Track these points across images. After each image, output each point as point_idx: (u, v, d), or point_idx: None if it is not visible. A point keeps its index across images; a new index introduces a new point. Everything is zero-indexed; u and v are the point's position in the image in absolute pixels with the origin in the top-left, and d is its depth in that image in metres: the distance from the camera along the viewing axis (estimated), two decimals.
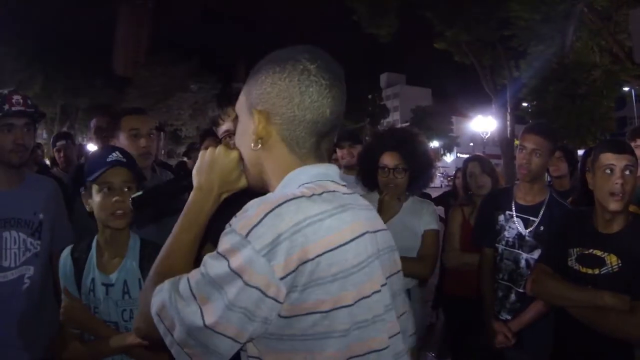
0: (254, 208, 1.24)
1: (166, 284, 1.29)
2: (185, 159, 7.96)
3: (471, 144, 61.74)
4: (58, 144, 6.21)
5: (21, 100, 2.84)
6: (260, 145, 1.40)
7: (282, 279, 1.17)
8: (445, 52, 26.64)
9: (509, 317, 3.43)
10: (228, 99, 2.54)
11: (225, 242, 1.23)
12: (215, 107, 2.70)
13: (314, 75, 1.36)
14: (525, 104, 25.82)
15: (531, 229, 3.39)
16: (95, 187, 2.38)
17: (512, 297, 3.45)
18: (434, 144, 61.93)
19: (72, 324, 2.38)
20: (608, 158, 2.71)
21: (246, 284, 1.17)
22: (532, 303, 3.21)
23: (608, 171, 2.69)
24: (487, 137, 35.66)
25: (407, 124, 56.64)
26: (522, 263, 3.40)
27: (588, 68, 22.13)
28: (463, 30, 24.06)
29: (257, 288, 1.17)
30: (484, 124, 35.98)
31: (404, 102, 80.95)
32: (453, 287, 4.45)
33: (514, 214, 3.49)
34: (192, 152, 7.32)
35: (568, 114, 21.43)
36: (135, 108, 3.53)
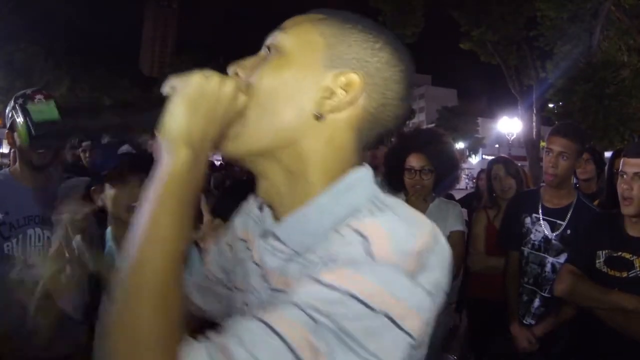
0: (406, 233, 0.86)
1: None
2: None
3: (497, 145, 61.29)
4: (84, 144, 6.24)
5: (43, 99, 2.82)
6: (325, 118, 0.98)
7: (427, 323, 0.85)
8: (471, 53, 26.51)
9: (533, 322, 3.40)
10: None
11: (369, 278, 0.79)
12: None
13: (403, 74, 1.04)
14: (551, 105, 25.59)
15: (558, 232, 3.35)
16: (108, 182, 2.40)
17: (537, 301, 3.41)
18: (460, 145, 61.55)
19: None
20: (622, 162, 2.72)
21: (407, 338, 0.81)
22: (557, 308, 3.17)
23: (622, 175, 2.70)
24: (512, 138, 35.42)
25: (433, 125, 56.48)
26: (548, 267, 3.36)
27: (616, 67, 21.84)
28: (489, 30, 23.92)
29: (409, 339, 0.81)
30: (509, 125, 35.79)
31: (430, 103, 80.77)
32: (477, 290, 4.41)
33: (541, 216, 3.44)
34: None
35: (595, 114, 21.18)
36: None
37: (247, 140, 0.99)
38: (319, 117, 0.97)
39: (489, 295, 4.08)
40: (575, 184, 5.14)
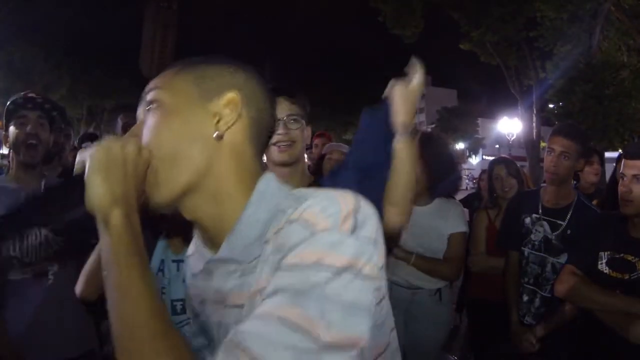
0: (327, 200, 1.00)
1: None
2: None
3: (497, 145, 61.28)
4: (84, 145, 6.24)
5: (35, 97, 2.90)
6: (224, 136, 1.12)
7: (382, 267, 1.01)
8: (471, 53, 26.51)
9: (533, 322, 3.41)
10: (280, 90, 2.49)
11: (322, 248, 0.94)
12: None
13: (261, 82, 1.22)
14: (551, 105, 25.59)
15: (558, 232, 3.36)
16: None
17: (537, 301, 3.42)
18: (460, 145, 61.54)
19: None
20: (622, 164, 2.74)
21: (372, 283, 0.97)
22: (558, 308, 3.18)
23: (622, 177, 2.73)
24: (512, 139, 35.42)
25: (433, 125, 56.45)
26: (548, 267, 3.37)
27: (616, 68, 21.84)
28: (489, 31, 23.92)
29: (373, 283, 0.97)
30: (509, 125, 35.79)
31: (430, 104, 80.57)
32: (477, 290, 4.42)
33: (541, 217, 3.46)
34: None
35: (595, 115, 21.17)
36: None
37: (169, 185, 1.10)
38: (219, 138, 1.11)
39: (489, 296, 4.09)
40: (575, 184, 5.17)
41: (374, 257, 0.98)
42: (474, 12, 23.89)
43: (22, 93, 2.93)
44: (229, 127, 1.12)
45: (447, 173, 3.66)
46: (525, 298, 3.47)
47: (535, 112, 25.69)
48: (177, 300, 2.45)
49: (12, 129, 2.87)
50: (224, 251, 1.12)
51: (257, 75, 1.21)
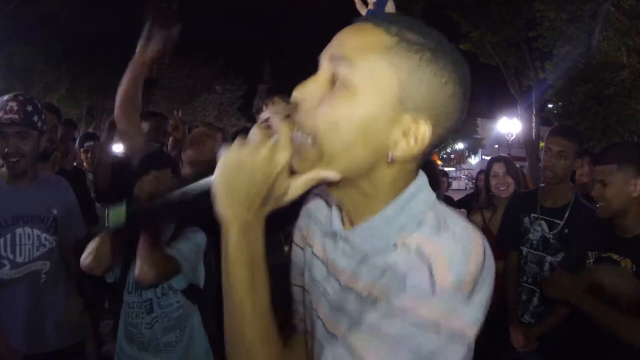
0: (462, 260, 0.97)
1: None
2: None
3: (496, 145, 61.21)
4: (86, 144, 6.22)
5: (15, 107, 2.81)
6: (395, 162, 1.04)
7: None
8: (471, 53, 26.49)
9: (532, 321, 3.43)
10: (277, 89, 2.54)
11: (434, 307, 0.93)
12: (260, 95, 2.67)
13: (460, 68, 1.07)
14: (550, 106, 25.58)
15: (556, 231, 3.38)
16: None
17: (536, 300, 3.44)
18: (459, 145, 61.51)
19: None
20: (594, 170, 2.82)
21: (466, 349, 0.96)
22: (556, 307, 3.19)
23: (593, 182, 2.83)
24: (512, 139, 35.40)
25: None
26: (546, 266, 3.39)
27: (615, 68, 21.85)
28: (489, 31, 23.91)
29: (467, 349, 0.96)
30: (509, 125, 35.73)
31: None
32: None
33: (539, 216, 3.47)
34: None
35: (594, 115, 21.19)
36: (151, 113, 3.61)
37: (328, 172, 1.03)
38: (391, 162, 1.03)
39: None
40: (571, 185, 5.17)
41: (478, 322, 0.97)
42: (473, 13, 23.88)
43: (4, 100, 2.84)
44: (403, 157, 1.04)
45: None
46: (524, 297, 3.49)
47: (534, 112, 25.66)
48: (147, 300, 2.70)
49: None
50: (353, 234, 1.13)
51: (465, 84, 1.07)
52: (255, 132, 1.02)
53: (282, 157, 1.01)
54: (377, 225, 1.08)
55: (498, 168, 4.49)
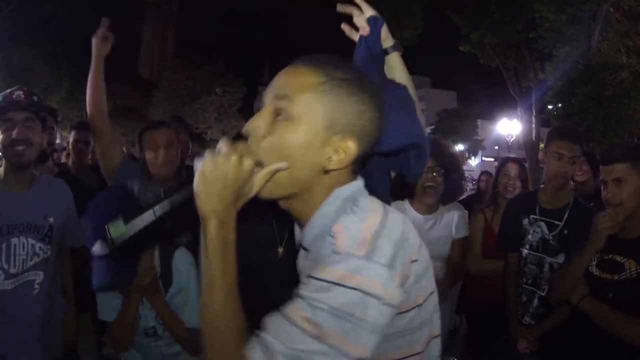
0: (356, 227, 1.23)
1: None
2: None
3: (496, 147, 61.28)
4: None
5: (22, 95, 2.77)
6: (327, 173, 1.32)
7: (400, 286, 1.20)
8: (471, 55, 26.51)
9: (532, 322, 3.43)
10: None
11: (339, 267, 1.15)
12: (260, 97, 2.69)
13: (375, 96, 1.36)
14: (550, 107, 25.59)
15: (555, 232, 3.38)
16: None
17: (536, 301, 3.44)
18: (459, 147, 61.49)
19: None
20: (601, 171, 2.77)
21: (383, 303, 1.14)
22: (556, 308, 3.19)
23: (603, 182, 2.77)
24: (512, 140, 35.41)
25: (433, 127, 56.41)
26: (546, 267, 3.39)
27: (615, 69, 21.83)
28: (488, 32, 23.93)
29: (389, 305, 1.16)
30: (509, 127, 35.77)
31: (429, 106, 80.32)
32: (474, 294, 4.43)
33: (538, 217, 3.47)
34: None
35: (594, 116, 21.16)
36: (154, 122, 3.60)
37: (274, 190, 1.31)
38: (326, 172, 1.31)
39: (485, 300, 4.09)
40: (573, 185, 5.17)
41: (383, 279, 1.15)
42: (473, 14, 23.91)
43: (8, 91, 2.79)
44: (337, 169, 1.31)
45: (455, 169, 3.74)
46: (524, 298, 3.49)
47: (534, 113, 25.69)
48: (148, 328, 2.71)
49: None
50: (303, 238, 1.41)
51: (380, 108, 1.36)
52: (223, 145, 1.24)
53: (247, 162, 1.23)
54: (314, 223, 1.35)
55: (511, 169, 4.51)
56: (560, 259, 3.28)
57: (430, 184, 3.63)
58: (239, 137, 1.34)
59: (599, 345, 2.71)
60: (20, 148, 2.73)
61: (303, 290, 1.17)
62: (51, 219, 2.90)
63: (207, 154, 1.24)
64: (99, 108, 3.30)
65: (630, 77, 21.57)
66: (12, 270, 2.75)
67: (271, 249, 2.35)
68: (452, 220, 3.86)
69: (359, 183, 1.40)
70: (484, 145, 66.29)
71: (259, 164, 1.27)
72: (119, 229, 1.29)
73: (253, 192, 1.29)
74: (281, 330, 1.14)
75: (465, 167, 55.87)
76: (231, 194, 1.23)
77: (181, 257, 2.75)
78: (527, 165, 22.02)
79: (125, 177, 3.18)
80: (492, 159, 55.90)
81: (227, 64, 52.10)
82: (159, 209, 1.31)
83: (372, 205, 1.32)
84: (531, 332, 3.38)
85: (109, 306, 2.66)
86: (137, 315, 2.65)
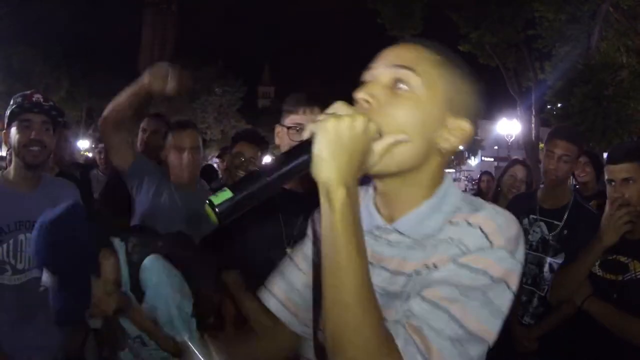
0: (502, 219, 1.23)
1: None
2: (214, 161, 8.03)
3: (495, 147, 61.18)
4: (100, 145, 6.33)
5: (41, 99, 2.88)
6: (443, 152, 1.29)
7: None
8: (470, 55, 26.47)
9: (532, 322, 3.43)
10: (319, 99, 2.57)
11: (493, 259, 1.17)
12: (298, 99, 2.68)
13: (479, 84, 1.36)
14: (550, 106, 25.58)
15: (555, 232, 3.38)
16: None
17: (535, 301, 3.44)
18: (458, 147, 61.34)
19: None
20: (606, 170, 2.74)
21: (513, 295, 1.20)
22: (556, 308, 3.18)
23: (610, 182, 2.73)
24: (511, 140, 35.40)
25: None
26: (546, 267, 3.39)
27: (614, 69, 21.81)
28: (488, 32, 23.91)
29: (513, 295, 1.20)
30: (508, 126, 35.72)
31: None
32: None
33: (538, 217, 3.47)
34: (226, 155, 7.31)
35: (594, 116, 21.15)
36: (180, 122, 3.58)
37: (389, 164, 1.22)
38: (440, 152, 1.28)
39: None
40: (575, 185, 5.17)
41: (519, 275, 1.20)
42: (472, 14, 23.88)
43: (28, 93, 2.90)
44: (451, 150, 1.29)
45: None
46: (524, 298, 3.49)
47: (534, 113, 25.67)
48: (136, 337, 2.56)
49: (14, 130, 2.85)
50: (401, 224, 1.31)
51: (483, 95, 1.35)
52: (342, 108, 1.14)
53: (373, 128, 1.14)
54: (424, 213, 1.29)
55: (519, 171, 4.52)
56: (560, 259, 3.28)
57: None
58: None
59: (600, 346, 2.71)
60: (35, 149, 2.84)
61: (452, 277, 1.16)
62: None
63: (326, 117, 1.11)
64: (114, 119, 3.14)
65: (629, 77, 21.55)
66: (19, 266, 2.86)
67: (279, 250, 2.34)
68: None
69: (451, 178, 1.40)
70: (483, 145, 66.20)
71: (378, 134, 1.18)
72: (223, 195, 1.07)
73: (372, 163, 1.19)
74: (433, 317, 1.11)
75: (464, 167, 55.91)
76: (357, 160, 1.11)
77: (151, 267, 2.40)
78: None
79: (139, 174, 3.25)
80: (492, 159, 55.80)
81: (226, 64, 52.06)
82: (272, 175, 1.11)
83: (490, 203, 1.32)
84: (531, 332, 3.38)
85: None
86: (121, 327, 2.53)
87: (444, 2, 24.49)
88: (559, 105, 23.54)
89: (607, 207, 2.73)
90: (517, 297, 3.44)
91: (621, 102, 21.20)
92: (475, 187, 7.81)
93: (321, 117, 1.12)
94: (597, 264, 2.79)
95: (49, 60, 32.78)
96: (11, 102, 2.90)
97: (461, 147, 1.30)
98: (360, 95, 1.23)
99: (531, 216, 3.51)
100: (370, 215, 1.37)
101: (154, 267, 2.40)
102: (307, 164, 1.10)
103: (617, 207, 2.66)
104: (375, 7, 25.40)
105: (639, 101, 21.81)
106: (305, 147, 1.10)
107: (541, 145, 23.01)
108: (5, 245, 2.82)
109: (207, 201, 1.07)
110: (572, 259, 2.93)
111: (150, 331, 2.44)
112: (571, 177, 4.58)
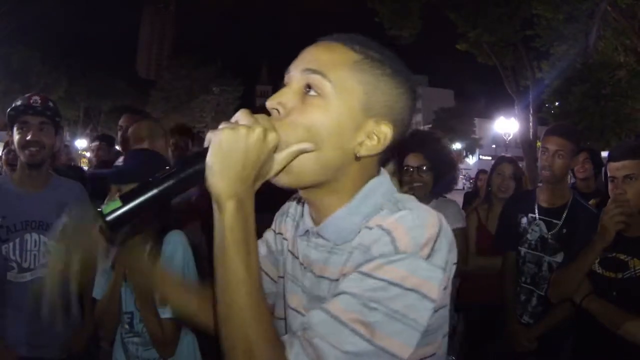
0: (418, 226, 1.11)
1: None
2: None
3: (493, 145, 61.33)
4: (92, 144, 6.37)
5: (39, 100, 2.95)
6: (361, 158, 1.20)
7: (445, 289, 1.14)
8: (468, 54, 26.49)
9: (531, 321, 3.42)
10: None
11: (400, 267, 1.07)
12: None
13: (410, 81, 1.25)
14: (548, 105, 25.59)
15: (554, 231, 3.37)
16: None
17: (534, 300, 3.43)
18: (456, 145, 61.54)
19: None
20: (608, 167, 2.74)
21: (434, 305, 1.09)
22: (555, 307, 3.18)
23: (612, 180, 2.73)
24: (509, 138, 35.45)
25: (430, 126, 56.45)
26: (545, 266, 3.38)
27: (612, 68, 21.86)
28: (486, 31, 23.92)
29: (433, 304, 1.09)
30: (506, 125, 35.79)
31: (427, 104, 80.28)
32: (468, 293, 4.42)
33: (537, 216, 3.47)
34: None
35: (592, 115, 21.19)
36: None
37: (299, 176, 1.18)
38: (357, 159, 1.19)
39: (480, 299, 4.09)
40: (573, 183, 5.18)
41: (439, 281, 1.09)
42: (470, 13, 23.88)
43: (27, 96, 2.98)
44: (368, 155, 1.21)
45: (448, 170, 3.68)
46: (523, 297, 3.48)
47: (532, 112, 25.67)
48: (127, 313, 2.50)
49: (14, 133, 2.94)
50: (322, 228, 1.27)
51: (414, 94, 1.27)
52: (243, 116, 1.11)
53: (272, 137, 1.09)
54: (343, 216, 1.24)
55: (505, 169, 4.52)
56: (559, 258, 3.27)
57: (414, 183, 3.50)
58: (259, 110, 1.23)
59: (600, 344, 2.70)
60: (33, 149, 2.91)
61: (353, 287, 1.08)
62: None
63: (225, 126, 1.08)
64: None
65: (627, 76, 21.60)
66: (25, 265, 2.93)
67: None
68: (444, 212, 3.79)
69: (387, 176, 1.31)
70: (481, 143, 66.40)
71: (282, 143, 1.13)
72: (112, 205, 1.08)
73: (272, 173, 1.14)
74: (329, 331, 1.05)
75: (462, 166, 55.96)
76: (252, 172, 1.08)
77: (173, 241, 2.49)
78: (524, 163, 21.98)
79: None
80: (490, 158, 55.87)
81: (224, 64, 52.12)
82: (162, 185, 1.10)
83: (417, 203, 1.22)
84: (530, 331, 3.38)
85: (98, 285, 2.58)
86: (119, 296, 2.49)
87: (442, 2, 24.49)
88: (557, 104, 23.60)
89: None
90: (517, 296, 3.45)
91: (619, 101, 21.26)
92: (473, 185, 7.79)
93: (221, 126, 1.09)
94: (596, 261, 2.78)
95: (47, 60, 32.82)
96: (9, 109, 2.98)
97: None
98: (268, 103, 1.19)
99: (530, 215, 3.51)
100: (305, 217, 1.36)
101: (175, 242, 2.49)
102: (202, 173, 1.08)
103: (615, 205, 2.67)
104: (373, 6, 25.41)
105: (637, 100, 21.85)
106: (202, 156, 1.08)
107: (539, 144, 23.04)
108: (11, 244, 2.90)
109: (98, 210, 1.08)
110: (572, 258, 2.93)
111: (142, 300, 2.37)
112: (570, 175, 4.57)
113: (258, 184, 1.12)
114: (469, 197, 6.63)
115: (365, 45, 1.21)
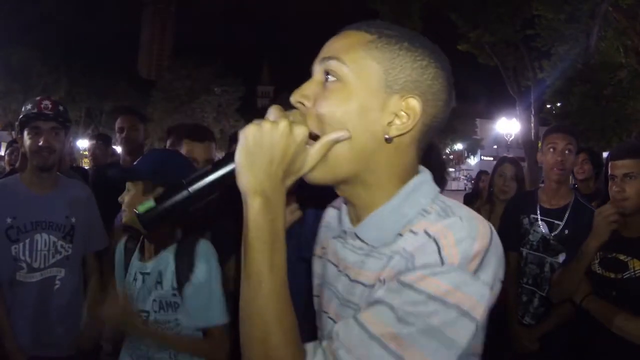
0: (465, 232, 1.04)
1: None
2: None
3: (495, 146, 61.26)
4: (92, 142, 6.44)
5: (50, 105, 3.00)
6: (393, 140, 1.12)
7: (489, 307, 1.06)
8: (469, 54, 26.48)
9: (532, 322, 3.42)
10: None
11: (444, 281, 0.99)
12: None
13: (446, 80, 1.19)
14: (549, 106, 25.57)
15: (556, 232, 3.37)
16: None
17: (536, 301, 3.43)
18: (458, 146, 61.53)
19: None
20: (609, 166, 2.75)
21: (476, 325, 1.01)
22: (556, 308, 3.18)
23: (612, 178, 2.73)
24: (510, 139, 35.41)
25: None
26: (547, 267, 3.38)
27: (613, 68, 21.83)
28: (487, 32, 23.90)
29: (476, 324, 1.02)
30: (508, 126, 35.74)
31: None
32: None
33: (539, 217, 3.47)
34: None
35: (593, 115, 21.18)
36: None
37: (334, 168, 1.13)
38: (388, 141, 1.12)
39: None
40: (574, 184, 5.18)
41: (485, 299, 1.02)
42: (471, 13, 23.88)
43: (37, 99, 3.03)
44: (400, 135, 1.13)
45: (434, 172, 3.68)
46: (524, 298, 3.48)
47: (533, 112, 25.65)
48: (142, 311, 2.41)
49: (25, 137, 3.00)
50: (360, 228, 1.20)
51: (446, 68, 1.19)
52: (272, 112, 1.10)
53: (300, 131, 1.07)
54: (383, 215, 1.16)
55: (507, 170, 4.52)
56: (561, 258, 3.28)
57: None
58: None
59: (601, 345, 2.70)
60: (45, 154, 2.98)
61: (390, 298, 1.01)
62: (73, 219, 3.12)
63: (254, 122, 1.07)
64: None
65: (628, 76, 21.58)
66: (35, 265, 2.98)
67: None
68: None
69: (429, 175, 1.23)
70: (482, 144, 66.33)
71: (314, 137, 1.11)
72: (146, 205, 1.11)
73: (306, 168, 1.11)
74: (357, 343, 1.00)
75: (464, 167, 55.99)
76: (280, 168, 1.06)
77: (205, 249, 2.41)
78: (525, 164, 22.00)
79: None
80: (491, 158, 55.87)
81: (226, 64, 52.13)
82: (194, 186, 1.11)
83: (468, 210, 1.13)
84: (531, 332, 3.38)
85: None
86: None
87: (443, 2, 24.49)
88: (558, 104, 23.59)
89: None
90: (519, 297, 3.45)
91: (620, 102, 21.25)
92: (474, 186, 7.79)
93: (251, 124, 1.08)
94: (596, 262, 2.78)
95: (48, 60, 32.80)
96: (22, 109, 3.06)
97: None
98: (292, 99, 1.17)
99: (532, 215, 3.50)
100: (342, 218, 1.30)
101: (206, 250, 2.42)
102: (233, 173, 1.08)
103: (610, 206, 2.68)
104: (374, 6, 25.42)
105: (638, 100, 21.83)
106: (233, 156, 1.09)
107: (539, 143, 23.01)
108: (21, 244, 2.95)
109: (135, 210, 1.13)
110: (567, 261, 2.94)
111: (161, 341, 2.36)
112: (570, 177, 4.57)
113: (290, 181, 1.10)
114: (469, 198, 6.61)
115: (381, 27, 1.17)
